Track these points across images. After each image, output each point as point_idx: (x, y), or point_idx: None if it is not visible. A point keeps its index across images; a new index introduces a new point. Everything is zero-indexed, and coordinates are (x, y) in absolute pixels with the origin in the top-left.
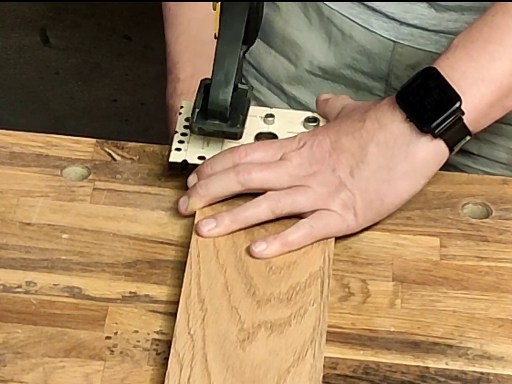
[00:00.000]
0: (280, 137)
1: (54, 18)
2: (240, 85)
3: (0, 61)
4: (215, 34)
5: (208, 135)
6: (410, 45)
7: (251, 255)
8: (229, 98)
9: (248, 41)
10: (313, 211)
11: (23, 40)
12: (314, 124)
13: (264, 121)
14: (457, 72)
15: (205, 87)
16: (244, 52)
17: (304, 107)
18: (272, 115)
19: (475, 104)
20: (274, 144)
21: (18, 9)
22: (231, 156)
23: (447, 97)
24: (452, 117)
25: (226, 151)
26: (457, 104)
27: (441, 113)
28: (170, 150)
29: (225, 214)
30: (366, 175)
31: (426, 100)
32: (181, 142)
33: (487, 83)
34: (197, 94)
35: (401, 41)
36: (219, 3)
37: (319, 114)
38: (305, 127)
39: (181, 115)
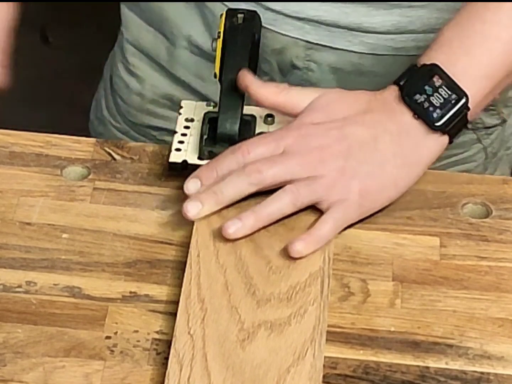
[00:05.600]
0: None
1: (54, 18)
2: (244, 117)
3: None
4: (215, 73)
5: None
6: (274, 30)
7: (290, 256)
8: (237, 128)
9: None
10: (328, 201)
11: (23, 40)
12: None
13: (264, 122)
14: (459, 69)
15: (210, 120)
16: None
17: (184, 85)
18: (272, 115)
19: (476, 99)
20: (274, 136)
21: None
22: (234, 156)
23: (454, 94)
24: (460, 115)
25: (227, 151)
26: (464, 100)
27: (450, 111)
28: (170, 150)
29: (249, 213)
30: (380, 161)
31: (433, 98)
32: (181, 142)
33: (486, 79)
34: (202, 125)
35: (266, 26)
36: (220, 40)
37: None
38: None
39: (181, 115)
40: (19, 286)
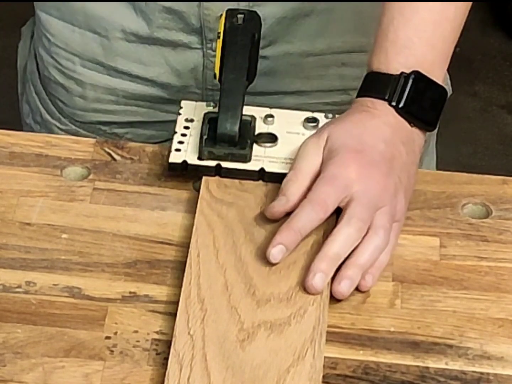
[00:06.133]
0: (279, 137)
1: None
2: (244, 117)
3: (0, 61)
4: (214, 73)
5: (217, 159)
6: None
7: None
8: (237, 128)
9: (249, 77)
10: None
11: None
12: (314, 124)
13: (264, 122)
14: (429, 65)
15: (209, 120)
16: (246, 88)
17: (125, 75)
18: (271, 116)
19: (442, 82)
20: (336, 177)
21: (18, 9)
22: (315, 213)
23: (437, 92)
24: (443, 107)
25: (303, 209)
26: (444, 94)
27: (438, 109)
28: (169, 151)
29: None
30: (407, 173)
31: (423, 103)
32: (180, 142)
33: (445, 60)
34: (202, 125)
35: None
36: (220, 40)
37: None
38: (304, 127)
39: (180, 116)
40: (19, 286)
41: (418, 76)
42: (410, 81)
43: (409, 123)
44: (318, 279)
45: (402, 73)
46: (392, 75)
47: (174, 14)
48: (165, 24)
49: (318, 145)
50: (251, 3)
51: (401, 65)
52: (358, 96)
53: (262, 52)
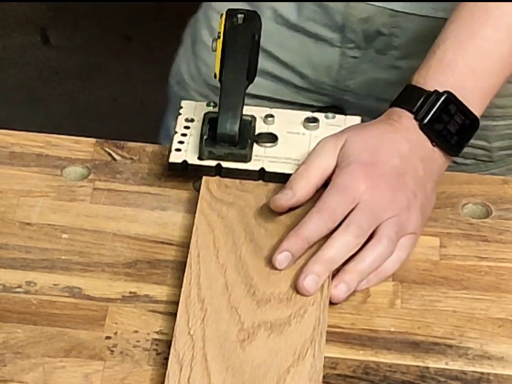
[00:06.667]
0: (280, 137)
1: (54, 18)
2: (244, 117)
3: (0, 61)
4: (215, 73)
5: (217, 159)
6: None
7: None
8: (237, 128)
9: (249, 77)
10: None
11: (23, 40)
12: (314, 124)
13: (264, 122)
14: (467, 92)
15: (210, 120)
16: (246, 88)
17: (267, 53)
18: (272, 115)
19: (480, 114)
20: (345, 188)
21: (18, 9)
22: (324, 222)
23: (468, 119)
24: (472, 136)
25: (311, 218)
26: (475, 123)
27: (465, 136)
28: (170, 151)
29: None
30: (424, 191)
31: (450, 125)
32: (180, 142)
33: (487, 95)
34: (202, 125)
35: None
36: (220, 40)
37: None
38: (305, 127)
39: (180, 116)
40: (19, 286)
41: (450, 98)
42: (441, 100)
43: (431, 141)
44: (310, 281)
45: (435, 90)
46: (426, 90)
47: (322, 8)
48: (312, 17)
49: (335, 146)
50: (393, 12)
51: (439, 83)
52: (391, 105)
53: (395, 63)
